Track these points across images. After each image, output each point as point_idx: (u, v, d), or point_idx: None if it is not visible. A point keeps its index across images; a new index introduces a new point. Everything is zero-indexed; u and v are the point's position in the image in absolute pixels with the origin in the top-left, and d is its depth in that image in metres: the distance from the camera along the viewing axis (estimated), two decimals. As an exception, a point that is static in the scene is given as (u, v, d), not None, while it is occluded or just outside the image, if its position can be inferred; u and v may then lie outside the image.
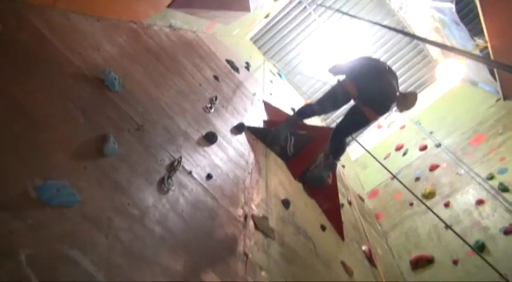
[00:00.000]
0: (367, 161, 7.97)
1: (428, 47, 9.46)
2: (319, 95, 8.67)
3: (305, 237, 3.21)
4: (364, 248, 4.44)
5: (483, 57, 3.66)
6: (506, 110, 6.02)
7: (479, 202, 4.79)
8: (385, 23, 8.24)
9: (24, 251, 1.09)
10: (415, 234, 5.30)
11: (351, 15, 4.95)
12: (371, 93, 3.04)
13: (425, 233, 5.11)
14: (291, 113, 5.80)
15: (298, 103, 7.52)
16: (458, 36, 6.31)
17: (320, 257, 3.15)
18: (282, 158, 4.44)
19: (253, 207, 2.75)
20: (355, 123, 3.31)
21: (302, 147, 4.50)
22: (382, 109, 3.16)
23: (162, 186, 1.94)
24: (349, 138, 8.66)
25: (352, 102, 3.37)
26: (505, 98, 6.23)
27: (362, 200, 6.49)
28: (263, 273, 2.21)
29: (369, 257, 4.31)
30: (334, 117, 10.31)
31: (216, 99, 3.66)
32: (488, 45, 5.00)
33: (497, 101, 6.42)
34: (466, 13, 6.90)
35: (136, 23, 3.49)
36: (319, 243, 3.37)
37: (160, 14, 4.09)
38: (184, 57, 4.00)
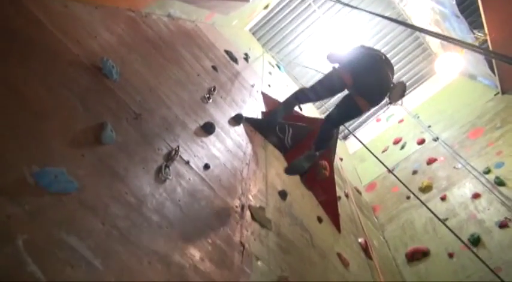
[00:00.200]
0: (365, 154, 7.98)
1: (428, 40, 9.43)
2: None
3: (302, 228, 3.22)
4: (360, 240, 4.47)
5: (482, 48, 3.66)
6: (505, 104, 6.03)
7: (476, 196, 4.82)
8: (385, 15, 8.20)
9: (22, 236, 1.09)
10: (411, 227, 5.34)
11: (351, 7, 4.91)
12: (366, 83, 2.99)
13: (421, 226, 5.15)
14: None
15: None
16: (458, 29, 6.29)
17: (316, 248, 3.17)
18: (280, 149, 4.44)
19: (250, 197, 2.76)
20: (347, 112, 3.23)
21: (300, 139, 4.50)
22: (375, 100, 3.10)
23: (160, 175, 1.94)
24: (341, 132, 8.67)
25: (346, 92, 3.33)
26: (503, 92, 6.23)
27: (359, 192, 6.52)
28: (259, 263, 2.22)
29: (365, 249, 4.34)
30: (329, 108, 10.29)
31: (214, 89, 3.65)
32: (488, 38, 4.99)
33: (495, 95, 6.43)
34: (466, 6, 6.88)
35: (135, 12, 3.46)
36: (316, 235, 3.39)
37: (158, 3, 4.06)
38: (183, 47, 3.98)
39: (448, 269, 4.31)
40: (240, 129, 3.69)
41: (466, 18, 6.07)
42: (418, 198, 4.54)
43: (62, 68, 1.90)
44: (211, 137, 2.90)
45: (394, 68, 10.03)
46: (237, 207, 2.46)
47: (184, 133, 2.55)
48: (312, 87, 3.42)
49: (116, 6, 3.14)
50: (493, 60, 5.75)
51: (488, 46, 5.11)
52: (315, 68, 9.06)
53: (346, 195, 5.44)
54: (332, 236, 3.84)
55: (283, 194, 3.37)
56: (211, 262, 1.81)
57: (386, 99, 3.16)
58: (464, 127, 6.33)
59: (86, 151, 1.61)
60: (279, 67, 9.66)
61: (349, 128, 10.28)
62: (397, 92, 3.05)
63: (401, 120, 8.68)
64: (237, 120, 3.69)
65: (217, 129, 3.03)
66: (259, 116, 4.58)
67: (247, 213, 2.52)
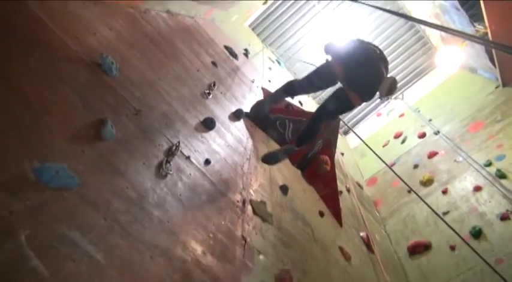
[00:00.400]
0: (366, 149, 7.94)
1: (429, 33, 9.39)
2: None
3: (303, 222, 3.23)
4: (362, 234, 4.48)
5: (481, 38, 3.64)
6: (505, 97, 6.01)
7: (477, 188, 4.82)
8: (385, 8, 8.16)
9: (24, 232, 1.10)
10: (413, 220, 5.34)
11: (351, 0, 4.88)
12: (357, 76, 2.92)
13: (422, 220, 5.15)
14: (291, 101, 5.78)
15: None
16: (458, 22, 6.27)
17: (318, 242, 3.18)
18: (281, 144, 4.44)
19: (252, 192, 2.77)
20: (339, 106, 3.14)
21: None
22: (367, 94, 3.01)
23: (160, 170, 1.95)
24: (342, 127, 8.60)
25: (339, 85, 3.24)
26: (504, 85, 6.21)
27: (361, 187, 6.53)
28: (261, 256, 2.23)
29: (367, 243, 4.35)
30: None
31: (214, 85, 3.65)
32: (488, 31, 4.96)
33: (496, 87, 6.40)
34: (466, -1, 6.84)
35: (134, 8, 3.46)
36: (317, 229, 3.40)
37: (157, -1, 4.05)
38: (182, 43, 3.97)
39: (450, 262, 4.32)
40: (241, 124, 3.69)
41: (466, 11, 6.04)
42: (415, 193, 4.57)
43: (61, 64, 1.90)
44: (212, 133, 2.90)
45: (395, 61, 9.91)
46: (238, 201, 2.47)
47: (184, 129, 2.55)
48: (304, 79, 3.32)
49: (114, 3, 3.13)
50: (494, 53, 5.74)
51: (488, 39, 5.08)
52: (315, 63, 9.03)
53: (348, 190, 5.45)
54: (334, 230, 3.85)
55: (284, 189, 3.38)
56: (213, 256, 1.82)
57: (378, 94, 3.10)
58: (465, 120, 6.31)
59: (86, 147, 1.61)
60: (279, 62, 9.64)
61: (350, 123, 10.30)
62: (386, 86, 2.96)
63: (402, 115, 8.67)
64: (237, 115, 3.69)
65: (217, 124, 3.03)
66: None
67: (249, 208, 2.53)
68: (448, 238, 4.52)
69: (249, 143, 3.49)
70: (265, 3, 9.39)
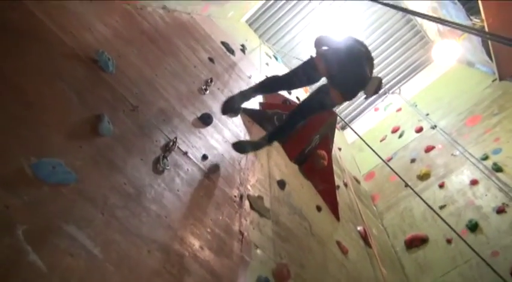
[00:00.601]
0: (364, 144, 8.00)
1: (426, 28, 9.38)
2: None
3: (300, 217, 3.25)
4: (359, 228, 4.50)
5: (477, 29, 3.64)
6: (502, 91, 6.03)
7: (473, 182, 4.85)
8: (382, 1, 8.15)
9: (21, 226, 1.11)
10: (410, 214, 5.37)
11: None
12: (340, 75, 2.85)
13: (419, 214, 5.18)
14: (288, 96, 5.79)
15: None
16: (455, 16, 6.27)
17: (315, 237, 3.20)
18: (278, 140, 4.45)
19: (249, 187, 2.78)
20: (319, 103, 3.02)
21: (298, 129, 4.52)
22: (349, 94, 2.96)
23: (158, 166, 1.96)
24: (339, 122, 8.53)
25: (323, 81, 3.13)
26: (501, 79, 6.23)
27: (358, 182, 6.55)
28: (258, 251, 2.25)
29: (364, 237, 4.38)
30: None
31: (211, 81, 3.65)
32: (485, 24, 4.97)
33: (493, 81, 6.42)
34: (463, -8, 6.84)
35: (130, 4, 3.45)
36: (315, 223, 3.42)
37: (153, -5, 4.04)
38: (179, 39, 3.97)
39: (447, 255, 4.36)
40: (238, 120, 3.70)
41: (463, 5, 6.04)
42: (411, 188, 4.61)
43: (57, 60, 1.90)
44: (209, 128, 2.91)
45: (392, 56, 9.89)
46: (235, 196, 2.48)
47: (182, 124, 2.56)
48: (285, 74, 3.17)
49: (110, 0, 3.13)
50: (491, 47, 5.75)
51: (484, 30, 5.09)
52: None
53: (345, 185, 5.47)
54: (331, 225, 3.87)
55: (281, 184, 3.39)
56: (211, 250, 1.83)
57: (361, 93, 3.03)
58: (462, 114, 6.34)
59: (83, 143, 1.62)
60: (276, 58, 9.63)
61: (347, 118, 10.31)
62: (373, 86, 2.93)
63: (399, 109, 8.68)
64: (234, 111, 3.69)
65: (214, 120, 3.04)
66: (257, 107, 4.59)
67: (246, 203, 2.54)
68: (444, 232, 4.55)
69: (247, 139, 3.50)
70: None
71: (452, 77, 8.05)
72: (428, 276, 4.36)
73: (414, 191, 4.47)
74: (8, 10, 1.85)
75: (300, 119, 3.08)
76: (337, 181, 4.88)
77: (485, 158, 5.01)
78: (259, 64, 7.05)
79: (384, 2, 3.57)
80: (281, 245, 2.54)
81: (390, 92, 10.07)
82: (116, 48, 2.56)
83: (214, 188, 2.33)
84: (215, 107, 3.33)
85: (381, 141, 7.87)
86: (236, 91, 4.08)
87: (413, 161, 6.35)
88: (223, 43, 5.65)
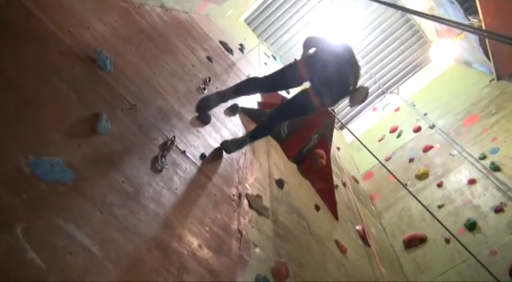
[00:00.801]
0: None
1: (424, 27, 9.40)
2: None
3: (299, 216, 3.25)
4: (358, 227, 4.51)
5: (474, 27, 3.64)
6: (500, 90, 6.05)
7: (471, 182, 4.86)
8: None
9: (20, 225, 1.11)
10: (408, 214, 5.39)
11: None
12: (321, 82, 2.77)
13: (418, 213, 5.20)
14: (286, 96, 5.79)
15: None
16: (453, 15, 6.28)
17: (314, 236, 3.20)
18: (276, 139, 4.46)
19: (247, 186, 2.78)
20: (300, 108, 2.94)
21: (296, 128, 4.52)
22: (328, 100, 2.85)
23: (156, 164, 1.95)
24: (337, 122, 8.51)
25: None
26: (498, 78, 6.25)
27: (357, 181, 6.56)
28: (257, 250, 2.25)
29: (363, 236, 4.38)
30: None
31: (209, 80, 3.65)
32: (483, 24, 4.99)
33: (491, 81, 6.44)
34: (461, -8, 6.85)
35: (127, 3, 3.44)
36: (313, 222, 3.42)
37: (151, -6, 4.03)
38: (177, 38, 3.97)
39: (445, 255, 4.37)
40: (236, 119, 3.70)
41: (461, 4, 6.06)
42: (407, 189, 4.62)
43: (55, 59, 1.90)
44: (207, 127, 2.90)
45: (390, 56, 9.86)
46: (234, 195, 2.48)
47: (180, 123, 2.56)
48: (266, 76, 3.07)
49: (108, -2, 3.12)
50: (488, 47, 5.76)
51: (482, 28, 5.10)
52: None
53: (344, 184, 5.48)
54: (330, 224, 3.87)
55: (280, 183, 3.39)
56: (209, 249, 1.83)
57: (346, 101, 2.93)
58: (460, 114, 6.35)
59: (81, 141, 1.61)
60: (274, 58, 9.63)
61: (346, 118, 10.32)
62: (359, 96, 2.81)
63: (397, 109, 8.70)
64: (233, 110, 3.70)
65: (213, 119, 3.04)
66: (255, 106, 4.58)
67: (245, 202, 2.54)
68: (443, 231, 4.55)
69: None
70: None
71: (450, 76, 8.07)
72: (426, 276, 4.37)
73: (410, 192, 4.49)
74: (5, 8, 1.84)
75: (279, 121, 3.02)
76: (336, 181, 4.88)
77: (483, 157, 5.03)
78: (257, 63, 7.04)
79: (382, 0, 3.57)
80: (280, 244, 2.54)
81: (388, 91, 10.09)
82: (114, 46, 2.55)
83: (213, 187, 2.33)
84: (213, 106, 3.32)
85: (379, 141, 7.89)
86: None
87: (411, 160, 6.37)
88: (221, 42, 5.65)
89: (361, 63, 10.10)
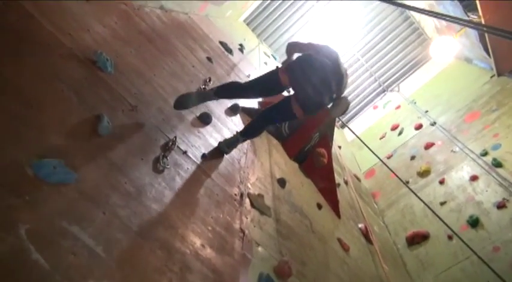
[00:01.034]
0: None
1: (423, 25, 9.40)
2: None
3: (301, 214, 3.26)
4: (360, 225, 4.51)
5: (474, 22, 3.64)
6: (500, 86, 6.04)
7: (473, 178, 4.86)
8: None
9: (24, 226, 1.12)
10: (411, 211, 5.38)
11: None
12: (301, 89, 2.68)
13: (420, 210, 5.19)
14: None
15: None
16: (453, 13, 6.27)
17: (316, 234, 3.21)
18: (278, 138, 4.47)
19: (249, 186, 2.78)
20: (283, 113, 2.89)
21: (297, 128, 4.53)
22: (308, 108, 2.77)
23: (158, 165, 1.96)
24: (338, 121, 8.49)
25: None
26: (499, 74, 6.24)
27: (358, 179, 6.56)
28: (260, 248, 2.25)
29: (365, 234, 4.39)
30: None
31: (209, 80, 3.65)
32: (482, 20, 4.98)
33: (491, 77, 6.43)
34: (460, -11, 6.84)
35: (127, 4, 3.45)
36: (316, 221, 3.42)
37: (151, -4, 4.04)
38: (177, 39, 3.98)
39: (448, 251, 4.37)
40: (237, 119, 3.70)
41: (460, 1, 6.06)
42: (408, 187, 4.62)
43: (56, 61, 1.91)
44: (208, 127, 2.91)
45: (390, 53, 9.77)
46: (236, 195, 2.48)
47: (181, 124, 2.57)
48: (247, 82, 3.03)
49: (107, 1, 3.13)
50: (488, 43, 5.75)
51: (481, 23, 5.10)
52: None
53: (346, 182, 5.48)
54: (332, 222, 3.88)
55: (282, 182, 3.40)
56: (212, 248, 1.84)
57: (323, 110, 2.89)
58: (461, 111, 6.35)
59: (83, 142, 1.62)
60: (274, 57, 9.64)
61: (346, 117, 10.32)
62: (340, 108, 2.72)
63: (398, 107, 8.70)
64: (233, 110, 3.70)
65: (213, 119, 3.05)
66: (256, 106, 4.59)
67: (247, 201, 2.54)
68: (445, 228, 4.55)
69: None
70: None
71: (450, 73, 8.06)
72: (430, 273, 4.38)
73: (411, 190, 4.48)
74: (5, 11, 1.85)
75: (265, 125, 2.99)
76: (338, 179, 4.88)
77: (485, 153, 5.03)
78: (257, 63, 7.05)
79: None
80: (282, 243, 2.55)
81: (389, 89, 10.08)
82: (114, 48, 2.56)
83: (215, 187, 2.34)
84: (214, 106, 3.34)
85: (380, 138, 7.88)
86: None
87: (413, 158, 6.37)
88: (221, 43, 5.66)
89: (361, 61, 10.12)
